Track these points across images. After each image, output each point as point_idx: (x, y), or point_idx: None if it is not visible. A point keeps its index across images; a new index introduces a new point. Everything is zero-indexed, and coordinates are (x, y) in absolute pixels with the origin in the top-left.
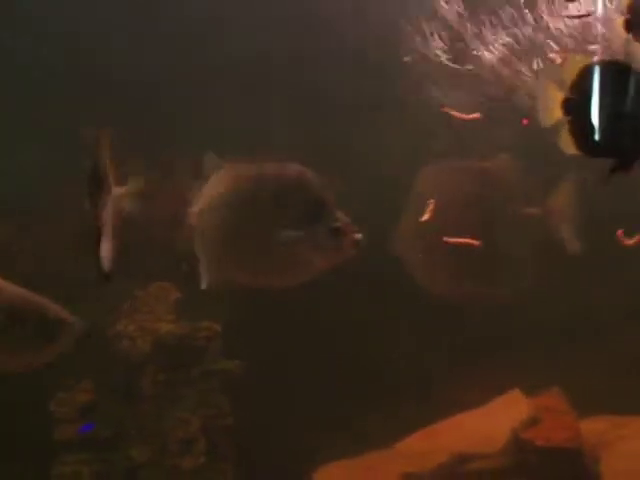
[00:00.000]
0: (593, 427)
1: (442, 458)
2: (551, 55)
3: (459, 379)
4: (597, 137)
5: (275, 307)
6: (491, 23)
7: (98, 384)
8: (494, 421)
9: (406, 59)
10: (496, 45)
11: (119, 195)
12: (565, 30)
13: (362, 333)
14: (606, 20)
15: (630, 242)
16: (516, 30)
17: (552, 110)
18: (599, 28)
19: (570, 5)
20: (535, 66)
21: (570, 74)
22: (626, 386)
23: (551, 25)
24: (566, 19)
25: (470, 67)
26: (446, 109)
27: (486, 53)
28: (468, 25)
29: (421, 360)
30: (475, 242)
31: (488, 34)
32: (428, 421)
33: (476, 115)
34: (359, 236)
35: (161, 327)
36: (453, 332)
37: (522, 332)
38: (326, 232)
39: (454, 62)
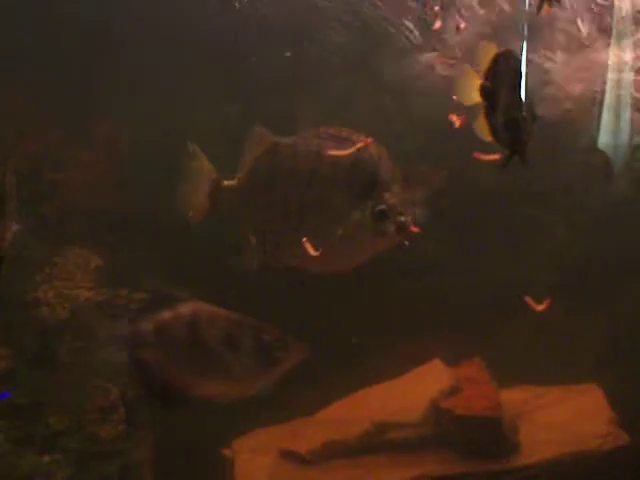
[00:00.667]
0: (513, 397)
1: (364, 426)
2: None
3: (382, 350)
4: (500, 125)
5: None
6: None
7: (16, 351)
8: (415, 390)
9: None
10: None
11: None
12: None
13: (286, 302)
14: None
15: (540, 308)
16: None
17: (470, 95)
18: None
19: None
20: None
21: (483, 61)
22: (545, 357)
23: None
24: None
25: None
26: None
27: None
28: None
29: (343, 330)
30: None
31: None
32: (351, 390)
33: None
34: (404, 219)
35: (80, 294)
36: (376, 303)
37: (445, 305)
38: (370, 215)
39: None
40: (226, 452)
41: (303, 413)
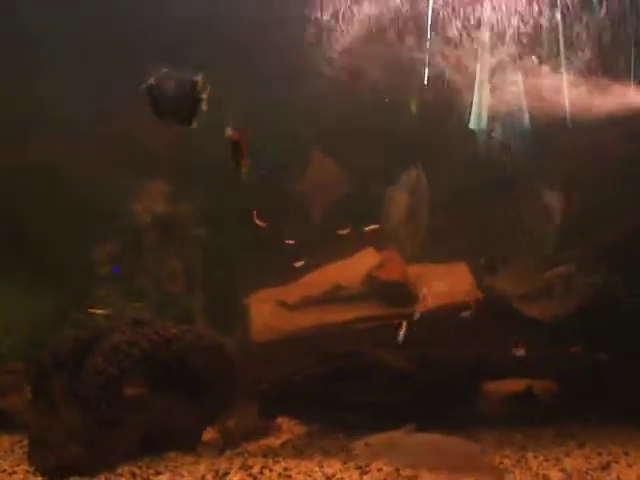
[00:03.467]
0: (415, 270)
1: (327, 287)
2: None
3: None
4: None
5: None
6: None
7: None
8: (358, 265)
9: None
10: None
11: None
12: None
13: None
14: None
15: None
16: None
17: None
18: None
19: None
20: None
21: None
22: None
23: None
24: None
25: None
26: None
27: None
28: None
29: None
30: None
31: None
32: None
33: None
34: None
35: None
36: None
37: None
38: None
39: None
40: (246, 300)
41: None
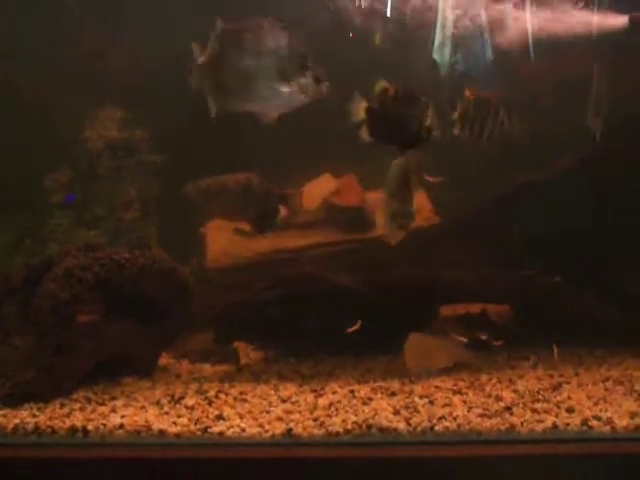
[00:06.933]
0: (373, 195)
1: (284, 212)
2: None
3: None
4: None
5: None
6: None
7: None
8: (315, 191)
9: None
10: None
11: None
12: None
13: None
14: None
15: None
16: None
17: (358, 113)
18: None
19: None
20: None
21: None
22: None
23: None
24: None
25: None
26: None
27: None
28: None
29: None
30: None
31: None
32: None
33: None
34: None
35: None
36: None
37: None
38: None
39: None
40: (202, 230)
41: None
